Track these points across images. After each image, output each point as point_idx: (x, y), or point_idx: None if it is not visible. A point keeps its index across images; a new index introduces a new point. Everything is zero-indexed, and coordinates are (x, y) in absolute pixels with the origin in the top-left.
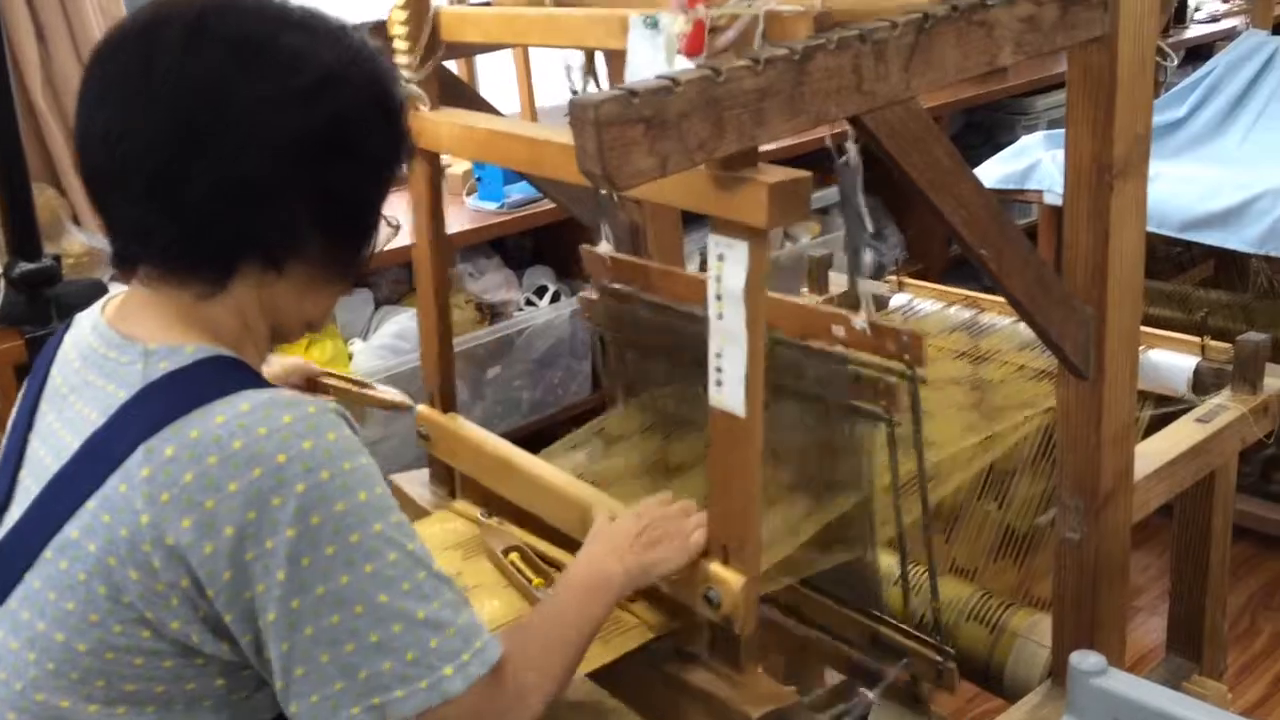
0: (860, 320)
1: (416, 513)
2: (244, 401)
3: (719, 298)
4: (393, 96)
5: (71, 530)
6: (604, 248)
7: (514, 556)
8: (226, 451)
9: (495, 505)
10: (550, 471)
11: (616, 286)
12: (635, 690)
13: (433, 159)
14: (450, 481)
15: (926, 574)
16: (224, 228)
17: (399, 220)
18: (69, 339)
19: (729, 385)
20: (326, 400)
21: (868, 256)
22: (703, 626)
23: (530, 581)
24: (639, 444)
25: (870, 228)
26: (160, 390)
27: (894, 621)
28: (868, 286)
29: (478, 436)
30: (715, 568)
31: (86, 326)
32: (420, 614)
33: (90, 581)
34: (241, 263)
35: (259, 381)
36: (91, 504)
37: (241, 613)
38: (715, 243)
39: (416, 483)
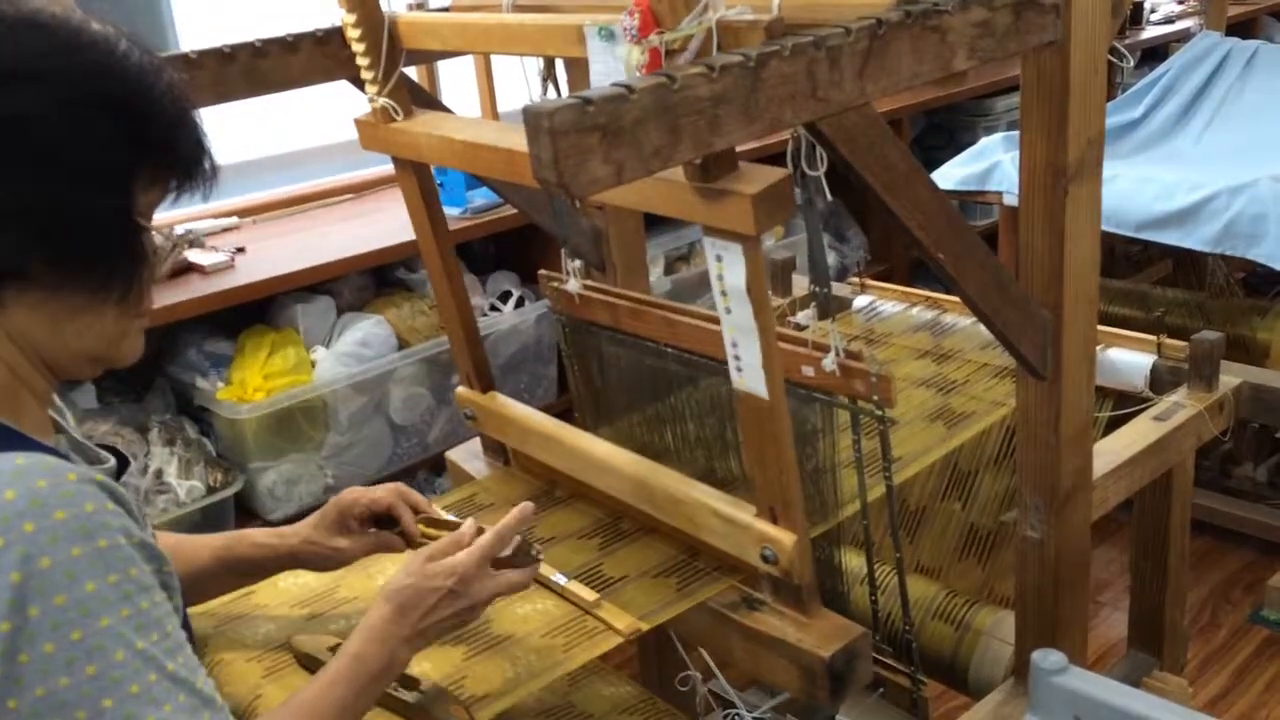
0: (830, 361)
1: (471, 486)
2: None
3: (724, 294)
4: (114, 91)
5: None
6: (572, 285)
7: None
8: None
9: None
10: (596, 444)
11: (583, 320)
12: (711, 642)
13: (418, 167)
14: (503, 453)
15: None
16: None
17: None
18: None
19: (749, 372)
20: (79, 468)
21: (831, 259)
22: (763, 577)
23: None
24: None
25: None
26: None
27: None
28: (835, 330)
29: (521, 413)
30: (767, 528)
31: None
32: (149, 719)
33: None
34: None
35: (8, 444)
36: None
37: None
38: (711, 245)
39: (472, 456)
